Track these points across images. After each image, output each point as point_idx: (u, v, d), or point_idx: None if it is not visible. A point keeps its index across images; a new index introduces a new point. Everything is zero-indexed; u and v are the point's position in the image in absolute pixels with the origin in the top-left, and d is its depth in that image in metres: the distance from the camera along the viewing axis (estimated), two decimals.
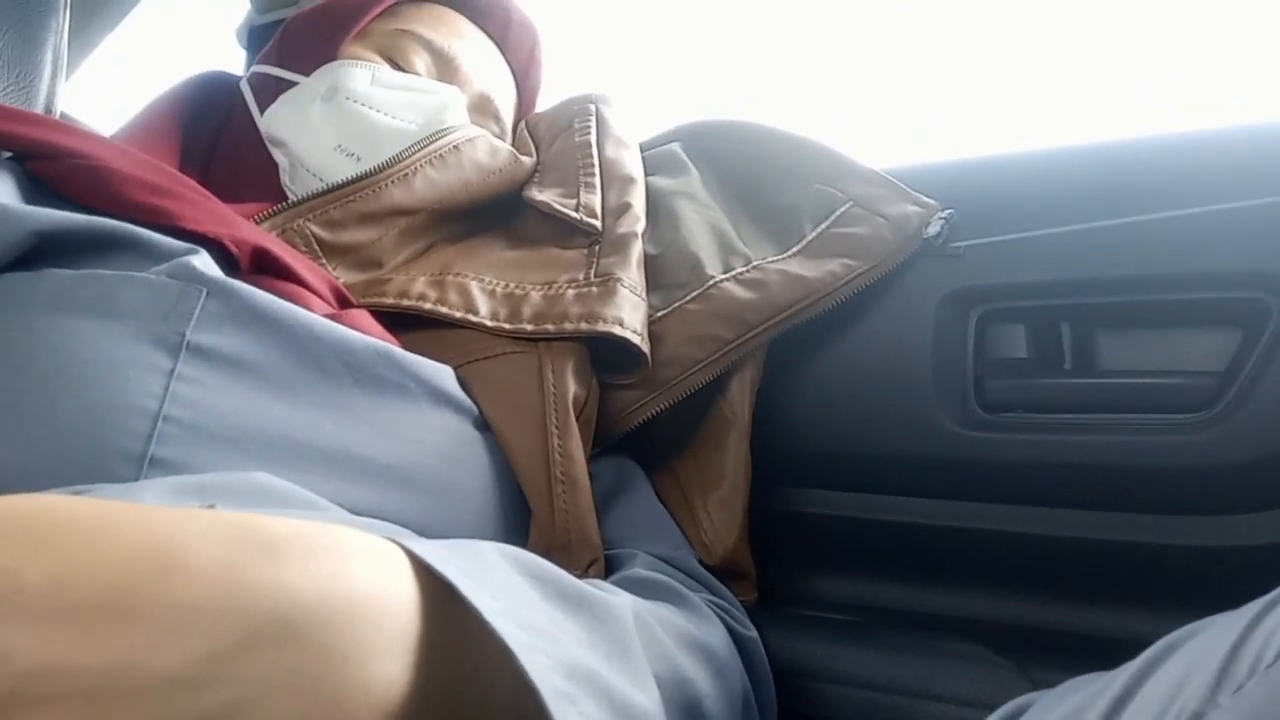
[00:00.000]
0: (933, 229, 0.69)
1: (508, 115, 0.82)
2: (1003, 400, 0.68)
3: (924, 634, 0.68)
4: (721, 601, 0.60)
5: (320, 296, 0.56)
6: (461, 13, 0.80)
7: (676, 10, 1.37)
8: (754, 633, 0.59)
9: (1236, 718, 0.30)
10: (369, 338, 0.53)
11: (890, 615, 0.73)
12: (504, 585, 0.38)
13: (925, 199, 0.71)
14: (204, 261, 0.49)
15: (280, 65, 0.73)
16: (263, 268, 0.55)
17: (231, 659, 0.27)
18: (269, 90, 0.72)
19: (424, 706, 0.32)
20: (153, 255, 0.49)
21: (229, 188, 0.66)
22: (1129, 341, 0.68)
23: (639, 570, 0.57)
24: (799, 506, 0.75)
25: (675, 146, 0.82)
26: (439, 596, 0.34)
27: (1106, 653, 0.40)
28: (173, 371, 0.44)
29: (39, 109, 0.75)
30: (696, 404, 0.70)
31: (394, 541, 0.35)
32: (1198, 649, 0.34)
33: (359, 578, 0.32)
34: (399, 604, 0.32)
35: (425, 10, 0.77)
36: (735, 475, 0.69)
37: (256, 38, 1.11)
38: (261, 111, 0.72)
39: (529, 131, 0.81)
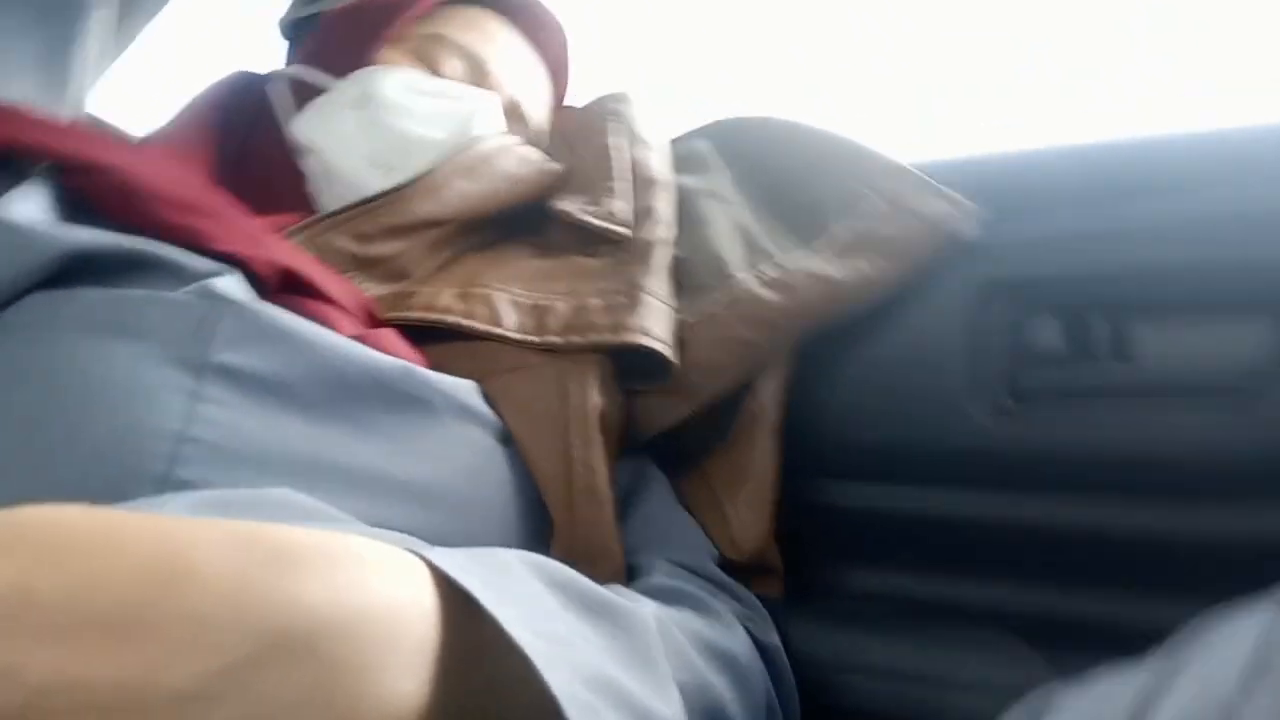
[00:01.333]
0: (964, 227, 0.68)
1: (540, 118, 0.81)
2: (1035, 389, 0.67)
3: (953, 625, 0.68)
4: (744, 608, 0.60)
5: (349, 313, 0.57)
6: (495, 14, 0.79)
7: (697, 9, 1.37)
8: (777, 640, 0.59)
9: (1270, 704, 0.29)
10: (394, 357, 0.53)
11: (920, 606, 0.73)
12: (524, 594, 0.37)
13: (957, 196, 0.69)
14: (230, 282, 0.50)
15: (314, 67, 0.73)
16: (290, 287, 0.55)
17: (245, 673, 0.27)
18: (302, 92, 0.72)
19: (441, 719, 0.32)
20: (181, 276, 0.50)
21: (259, 192, 0.66)
22: (1165, 332, 0.66)
23: (660, 578, 0.57)
24: (828, 498, 0.75)
25: (703, 144, 0.82)
26: (458, 607, 0.33)
27: (1139, 643, 0.40)
28: (196, 393, 0.45)
29: (72, 109, 0.77)
30: (725, 401, 0.70)
31: (412, 552, 0.35)
32: (1229, 634, 0.33)
33: (376, 589, 0.31)
34: (416, 616, 0.32)
35: (458, 13, 0.77)
36: (763, 471, 0.69)
37: (298, 29, 1.12)
38: (294, 110, 0.72)
39: (556, 132, 0.81)
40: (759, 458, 0.69)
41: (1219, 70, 0.93)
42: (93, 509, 0.29)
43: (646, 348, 0.62)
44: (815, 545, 0.76)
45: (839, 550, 0.77)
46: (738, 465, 0.69)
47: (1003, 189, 0.71)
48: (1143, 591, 0.66)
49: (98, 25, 0.81)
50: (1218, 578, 0.62)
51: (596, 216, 0.69)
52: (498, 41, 0.78)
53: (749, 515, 0.68)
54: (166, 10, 1.09)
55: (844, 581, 0.76)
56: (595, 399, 0.59)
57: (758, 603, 0.64)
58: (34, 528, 0.27)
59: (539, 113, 0.81)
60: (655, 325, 0.63)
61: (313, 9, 1.10)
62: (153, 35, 1.14)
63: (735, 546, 0.67)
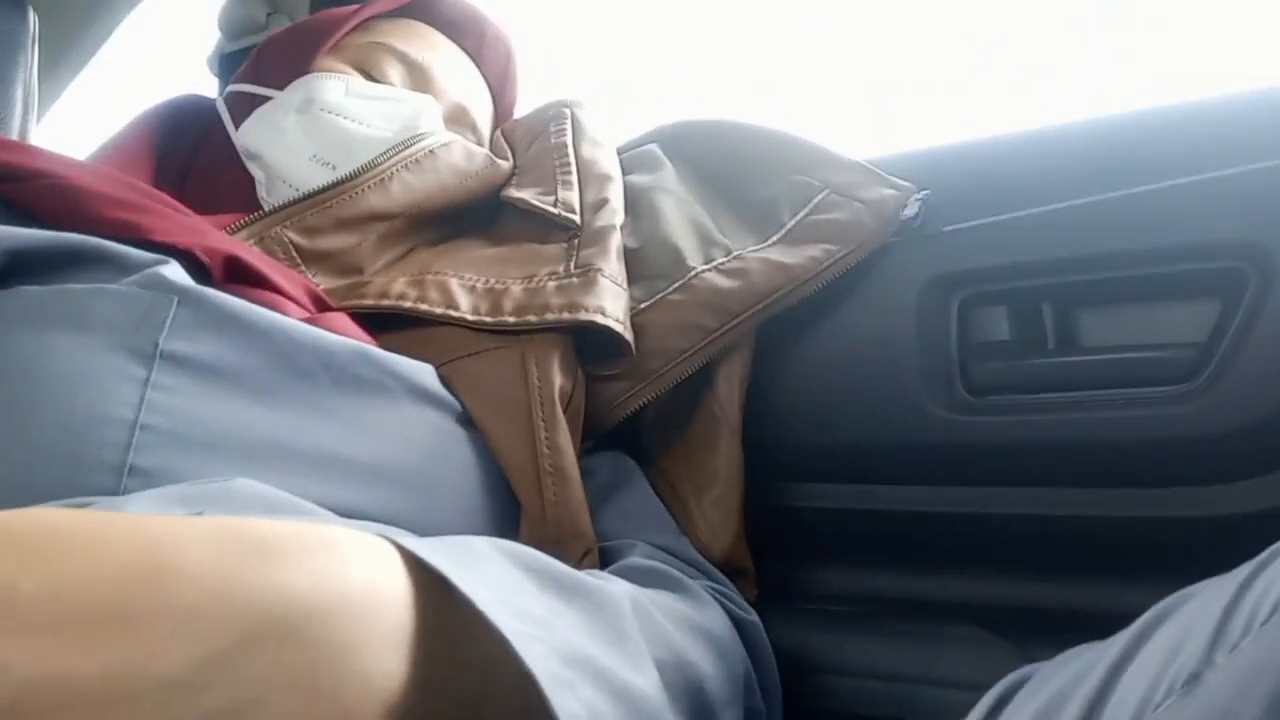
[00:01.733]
0: (910, 210, 0.69)
1: (484, 126, 0.82)
2: (988, 383, 0.68)
3: (923, 620, 0.68)
4: (721, 587, 0.60)
5: (296, 302, 0.56)
6: (435, 27, 0.80)
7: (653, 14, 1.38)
8: (754, 616, 0.59)
9: (1233, 675, 0.30)
10: (345, 339, 0.52)
11: (888, 604, 0.73)
12: (498, 576, 0.38)
13: (901, 182, 0.71)
14: (174, 271, 0.49)
15: (255, 82, 0.73)
16: (236, 276, 0.54)
17: (230, 659, 0.27)
18: (244, 107, 0.72)
19: (424, 698, 0.32)
20: (123, 268, 0.49)
21: (205, 203, 0.65)
22: (1110, 318, 0.68)
23: (637, 559, 0.56)
24: (793, 500, 0.75)
25: (653, 147, 0.83)
26: (433, 590, 0.34)
27: (1103, 627, 0.40)
28: (147, 380, 0.44)
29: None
30: (686, 403, 0.70)
31: (385, 538, 0.35)
32: (1192, 611, 0.34)
33: (353, 575, 0.32)
34: (394, 599, 0.33)
35: (398, 25, 0.78)
36: (728, 474, 0.69)
37: (227, 65, 1.12)
38: (237, 128, 0.72)
39: (505, 138, 0.81)
40: (723, 460, 0.69)
41: (1173, 65, 0.96)
42: (74, 511, 0.29)
43: (602, 326, 0.61)
44: (783, 546, 0.75)
45: (807, 552, 0.77)
46: (702, 468, 0.69)
47: (951, 180, 0.72)
48: (1108, 577, 0.67)
49: (30, 69, 0.80)
50: (1181, 560, 0.63)
51: (550, 204, 0.70)
52: (439, 50, 0.78)
53: (717, 517, 0.68)
54: (94, 61, 1.09)
55: (814, 582, 0.76)
56: (557, 379, 0.59)
57: (732, 584, 0.63)
58: (17, 528, 0.27)
59: (483, 121, 0.81)
60: (610, 305, 0.63)
61: (242, 44, 1.10)
62: (82, 84, 1.13)
63: (704, 549, 0.66)
